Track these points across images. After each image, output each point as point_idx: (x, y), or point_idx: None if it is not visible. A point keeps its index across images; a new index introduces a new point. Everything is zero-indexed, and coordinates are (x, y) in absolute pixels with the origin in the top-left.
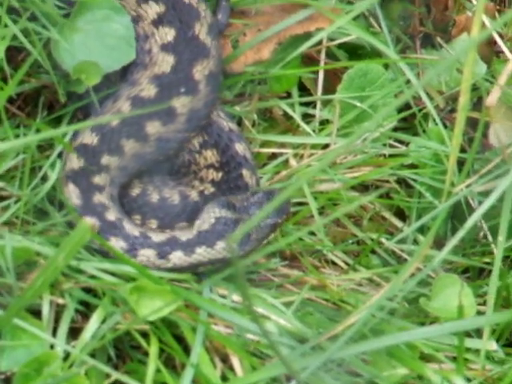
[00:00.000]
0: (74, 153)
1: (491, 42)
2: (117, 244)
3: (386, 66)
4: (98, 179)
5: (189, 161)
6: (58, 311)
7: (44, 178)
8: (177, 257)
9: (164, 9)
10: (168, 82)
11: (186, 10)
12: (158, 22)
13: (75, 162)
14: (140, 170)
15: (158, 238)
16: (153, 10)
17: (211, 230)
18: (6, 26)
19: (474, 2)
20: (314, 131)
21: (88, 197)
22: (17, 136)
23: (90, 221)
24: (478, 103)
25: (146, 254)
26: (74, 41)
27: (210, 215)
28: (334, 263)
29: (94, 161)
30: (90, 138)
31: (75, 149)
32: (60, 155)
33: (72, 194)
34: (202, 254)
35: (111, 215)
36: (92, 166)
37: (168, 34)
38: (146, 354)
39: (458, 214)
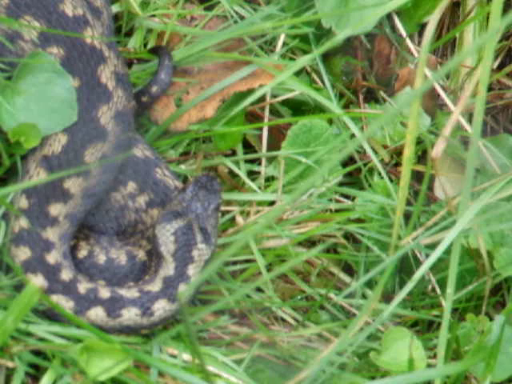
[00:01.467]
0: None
1: (434, 95)
2: (66, 304)
3: (330, 121)
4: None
5: (135, 220)
6: (8, 374)
7: None
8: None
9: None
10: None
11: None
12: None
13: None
14: None
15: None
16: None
17: (176, 248)
18: None
19: (416, 55)
20: (259, 188)
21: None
22: None
23: (37, 281)
24: (422, 156)
25: (97, 313)
26: (15, 103)
27: (166, 234)
28: (283, 320)
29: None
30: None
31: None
32: (3, 217)
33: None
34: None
35: (64, 274)
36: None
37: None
38: None
39: (405, 267)
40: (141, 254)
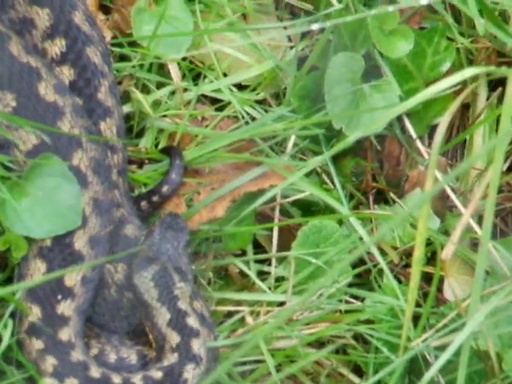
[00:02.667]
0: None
1: (444, 197)
2: None
3: (340, 222)
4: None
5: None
6: None
7: None
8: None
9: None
10: None
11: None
12: None
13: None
14: None
15: None
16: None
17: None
18: None
19: (426, 157)
20: (269, 288)
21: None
22: None
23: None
24: (432, 258)
25: None
26: (21, 203)
27: (145, 281)
28: None
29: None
30: None
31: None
32: (12, 315)
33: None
34: None
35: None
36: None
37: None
38: None
39: (415, 368)
40: (151, 354)
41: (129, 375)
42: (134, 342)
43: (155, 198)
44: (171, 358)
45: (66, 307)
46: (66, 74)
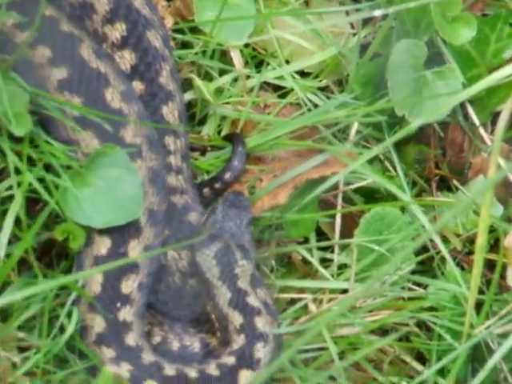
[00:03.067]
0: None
1: (507, 184)
2: None
3: (403, 209)
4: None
5: (202, 309)
6: None
7: (63, 327)
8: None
9: None
10: None
11: None
12: None
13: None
14: None
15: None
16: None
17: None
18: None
19: (489, 144)
20: (332, 276)
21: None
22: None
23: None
24: (495, 245)
25: None
26: (83, 192)
27: (208, 259)
28: None
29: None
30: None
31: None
32: (74, 303)
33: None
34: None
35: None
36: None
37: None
38: None
39: (478, 355)
40: (214, 342)
41: (203, 366)
42: (196, 330)
43: (218, 185)
44: (239, 341)
45: (126, 313)
46: (127, 58)
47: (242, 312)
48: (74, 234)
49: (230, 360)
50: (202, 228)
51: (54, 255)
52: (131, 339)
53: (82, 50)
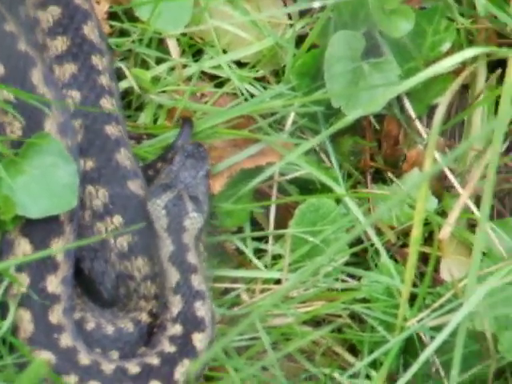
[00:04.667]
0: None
1: (442, 177)
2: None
3: (338, 201)
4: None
5: (127, 289)
6: None
7: None
8: None
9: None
10: None
11: None
12: None
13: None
14: None
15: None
16: None
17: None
18: None
19: (425, 137)
20: (266, 266)
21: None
22: None
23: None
24: (429, 238)
25: None
26: (17, 181)
27: (158, 208)
28: None
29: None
30: None
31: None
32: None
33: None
34: None
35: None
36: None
37: None
38: None
39: (410, 348)
40: (144, 317)
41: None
42: (125, 311)
43: (160, 165)
44: (177, 304)
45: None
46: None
47: (179, 268)
48: (3, 207)
49: (177, 329)
50: (157, 178)
51: None
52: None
53: (33, 74)
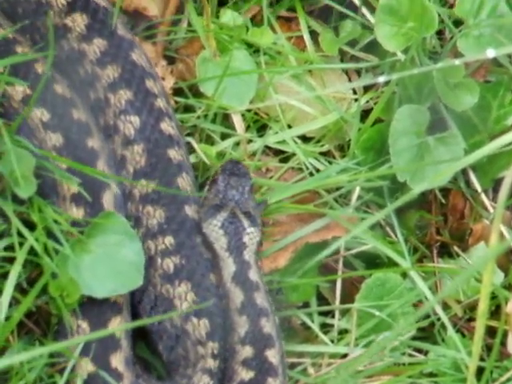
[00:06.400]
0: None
1: (508, 251)
2: None
3: (404, 275)
4: None
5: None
6: None
7: None
8: None
9: None
10: None
11: None
12: None
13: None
14: None
15: None
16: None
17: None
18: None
19: (491, 211)
20: (332, 341)
21: None
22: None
23: None
24: (495, 312)
25: None
26: (83, 260)
27: (215, 229)
28: None
29: None
30: None
31: None
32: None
33: None
34: None
35: None
36: None
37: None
38: None
39: None
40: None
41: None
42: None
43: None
44: (244, 324)
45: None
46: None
47: (242, 288)
48: (69, 290)
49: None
50: (206, 199)
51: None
52: None
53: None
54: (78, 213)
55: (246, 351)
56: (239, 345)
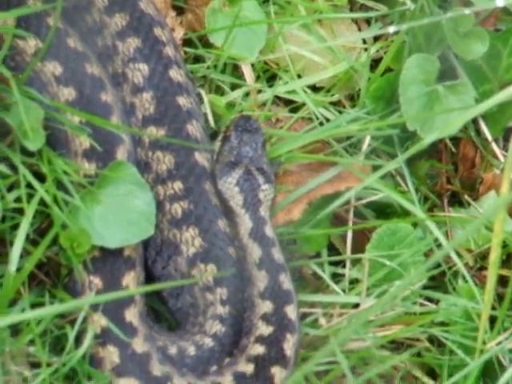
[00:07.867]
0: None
1: None
2: None
3: (415, 225)
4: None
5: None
6: None
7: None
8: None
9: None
10: None
11: None
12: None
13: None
14: None
15: None
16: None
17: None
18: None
19: (502, 160)
20: (343, 290)
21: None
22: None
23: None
24: (507, 260)
25: None
26: (94, 211)
27: (230, 186)
28: None
29: None
30: None
31: None
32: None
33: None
34: None
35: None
36: None
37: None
38: None
39: (489, 371)
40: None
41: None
42: (190, 333)
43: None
44: (263, 279)
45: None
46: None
47: (260, 244)
48: (79, 240)
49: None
50: (220, 156)
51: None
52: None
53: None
54: (90, 168)
55: (266, 306)
56: (259, 298)
